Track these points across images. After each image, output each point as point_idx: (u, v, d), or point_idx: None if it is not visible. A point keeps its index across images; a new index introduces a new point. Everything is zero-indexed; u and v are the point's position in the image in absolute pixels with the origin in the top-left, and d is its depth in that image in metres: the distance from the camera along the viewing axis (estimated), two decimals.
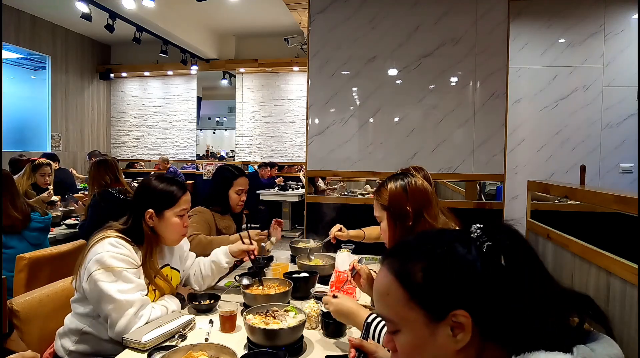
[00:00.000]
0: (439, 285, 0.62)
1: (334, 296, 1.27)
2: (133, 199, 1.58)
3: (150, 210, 1.50)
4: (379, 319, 1.16)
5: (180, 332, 1.38)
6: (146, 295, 1.43)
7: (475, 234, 0.65)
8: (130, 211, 1.54)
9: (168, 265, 1.63)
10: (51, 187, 3.68)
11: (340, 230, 2.21)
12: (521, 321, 0.59)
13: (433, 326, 0.61)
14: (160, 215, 1.52)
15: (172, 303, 1.53)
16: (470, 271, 0.61)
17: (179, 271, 1.70)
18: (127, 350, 1.28)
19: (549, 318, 0.59)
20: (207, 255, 1.86)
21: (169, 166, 7.35)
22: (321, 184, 5.47)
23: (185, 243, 1.79)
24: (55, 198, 3.55)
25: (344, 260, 1.94)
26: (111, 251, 1.37)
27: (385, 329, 1.14)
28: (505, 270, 0.62)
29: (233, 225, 2.35)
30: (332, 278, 1.92)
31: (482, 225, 0.66)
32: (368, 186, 5.32)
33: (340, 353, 1.28)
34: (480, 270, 0.61)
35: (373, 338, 1.13)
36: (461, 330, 0.60)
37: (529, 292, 0.61)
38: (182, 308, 1.58)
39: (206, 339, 1.34)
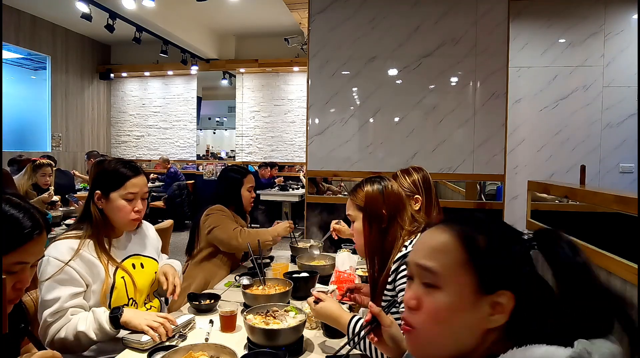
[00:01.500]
0: (499, 257, 0.63)
1: (316, 302, 1.28)
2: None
3: (97, 191, 1.47)
4: (360, 323, 1.16)
5: (180, 332, 1.38)
6: (71, 306, 1.32)
7: (526, 236, 0.68)
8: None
9: (138, 254, 1.58)
10: (52, 187, 3.68)
11: (338, 223, 2.21)
12: (549, 322, 0.60)
13: (478, 296, 0.62)
14: (107, 197, 1.46)
15: (84, 322, 1.31)
16: (525, 261, 0.64)
17: (155, 260, 1.64)
18: (127, 350, 1.28)
19: (582, 324, 0.59)
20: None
21: (169, 166, 7.34)
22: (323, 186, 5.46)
23: (158, 240, 1.73)
24: (55, 198, 3.56)
25: (344, 260, 1.94)
26: (50, 256, 1.34)
27: (362, 330, 1.13)
28: (554, 273, 0.63)
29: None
30: (333, 278, 1.92)
31: (531, 231, 0.69)
32: None
33: (340, 353, 1.27)
34: (532, 265, 0.64)
35: (354, 341, 1.13)
36: (500, 311, 0.61)
37: (568, 301, 0.61)
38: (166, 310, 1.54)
39: (206, 339, 1.34)
